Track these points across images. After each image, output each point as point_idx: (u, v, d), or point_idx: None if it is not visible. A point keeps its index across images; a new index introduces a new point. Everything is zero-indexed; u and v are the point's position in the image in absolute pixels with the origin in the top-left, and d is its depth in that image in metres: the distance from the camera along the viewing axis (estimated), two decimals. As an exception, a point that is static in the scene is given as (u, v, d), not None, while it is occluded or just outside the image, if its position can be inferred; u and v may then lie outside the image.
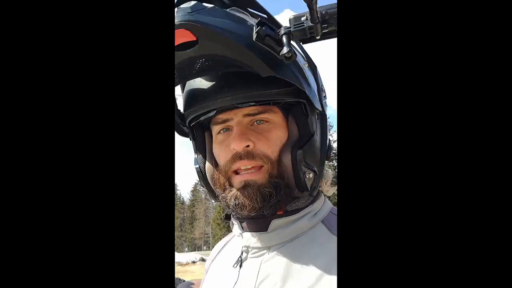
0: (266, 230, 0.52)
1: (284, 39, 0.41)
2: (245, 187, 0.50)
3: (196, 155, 0.59)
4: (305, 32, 0.42)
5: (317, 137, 0.53)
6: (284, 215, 0.52)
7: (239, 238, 0.57)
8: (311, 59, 0.56)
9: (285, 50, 0.40)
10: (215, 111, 0.53)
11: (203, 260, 20.66)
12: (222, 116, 0.53)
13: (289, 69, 0.46)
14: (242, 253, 0.56)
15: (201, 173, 0.58)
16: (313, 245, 0.50)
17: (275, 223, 0.52)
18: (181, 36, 0.41)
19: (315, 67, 0.56)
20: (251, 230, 0.54)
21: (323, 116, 0.55)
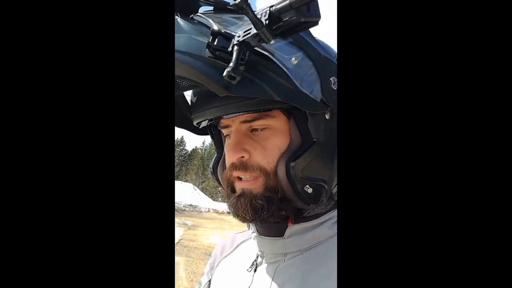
0: (282, 236, 0.49)
1: (234, 53, 0.37)
2: (240, 196, 0.48)
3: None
4: (255, 40, 0.37)
5: (321, 144, 0.46)
6: (302, 221, 0.49)
7: (255, 241, 0.54)
8: (312, 46, 0.47)
9: (225, 72, 0.36)
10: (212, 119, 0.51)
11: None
12: (223, 122, 0.50)
13: (253, 81, 0.40)
14: (257, 257, 0.54)
15: (213, 172, 0.56)
16: (332, 257, 0.45)
17: (292, 229, 0.49)
18: None
19: (318, 55, 0.47)
20: (267, 235, 0.51)
21: (334, 116, 0.47)
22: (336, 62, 0.48)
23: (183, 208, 15.14)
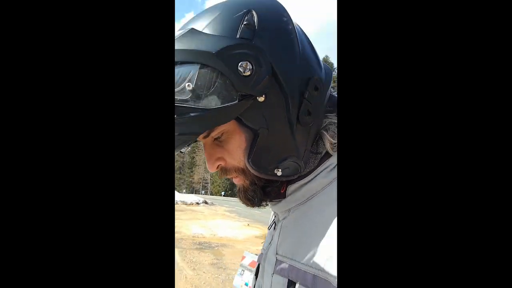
0: (285, 197, 0.54)
1: None
2: (238, 190, 0.54)
3: None
4: None
5: (268, 128, 0.46)
6: (297, 180, 0.52)
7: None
8: (200, 51, 0.42)
9: None
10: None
11: (206, 203, 21.72)
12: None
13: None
14: (274, 217, 0.62)
15: None
16: (329, 203, 0.47)
17: (290, 188, 0.53)
18: None
19: (210, 56, 0.42)
20: (272, 199, 0.55)
21: (269, 93, 0.44)
22: (238, 37, 0.43)
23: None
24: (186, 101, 0.42)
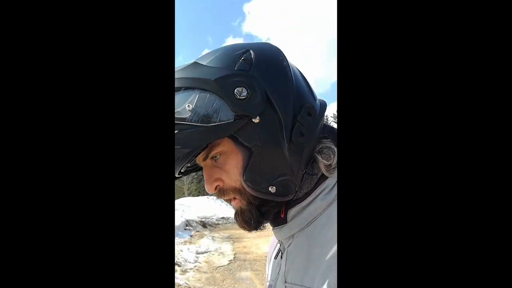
0: (286, 222, 0.55)
1: None
2: (236, 213, 0.56)
3: None
4: None
5: (261, 147, 0.49)
6: (296, 204, 0.54)
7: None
8: (201, 79, 0.48)
9: None
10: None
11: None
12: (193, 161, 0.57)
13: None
14: (280, 246, 0.61)
15: None
16: (330, 225, 0.49)
17: (291, 213, 0.54)
18: None
19: (211, 83, 0.48)
20: (275, 226, 0.57)
21: (264, 115, 0.49)
22: (236, 69, 0.49)
23: (216, 222, 14.27)
24: (186, 119, 0.47)
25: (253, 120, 0.48)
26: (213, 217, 15.05)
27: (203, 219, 13.86)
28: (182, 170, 0.58)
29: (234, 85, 0.47)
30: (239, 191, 0.53)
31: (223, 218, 14.80)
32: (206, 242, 8.36)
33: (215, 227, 12.70)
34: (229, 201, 0.56)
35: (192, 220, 12.89)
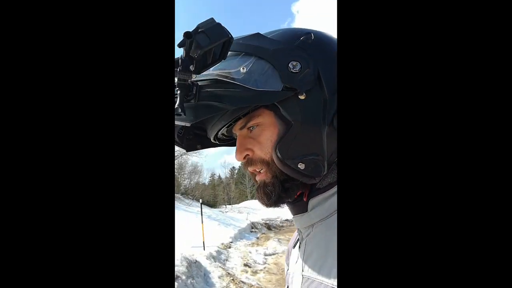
0: (307, 211, 0.55)
1: (178, 95, 0.46)
2: (259, 186, 0.56)
3: None
4: (185, 78, 0.45)
5: (300, 124, 0.51)
6: (318, 193, 0.54)
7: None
8: (260, 47, 0.51)
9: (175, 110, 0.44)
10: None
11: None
12: (232, 132, 0.59)
13: (207, 105, 0.49)
14: (299, 235, 0.61)
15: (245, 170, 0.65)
16: None
17: (312, 202, 0.54)
18: None
19: (268, 52, 0.51)
20: (296, 213, 0.57)
21: (310, 93, 0.50)
22: (293, 47, 0.51)
23: (280, 224, 14.37)
24: (236, 80, 0.49)
25: (299, 96, 0.49)
26: (277, 220, 15.17)
27: (267, 222, 14.07)
28: (219, 135, 0.61)
29: (289, 58, 0.49)
30: (267, 163, 0.53)
31: (287, 220, 14.84)
32: (272, 244, 8.49)
33: (279, 230, 12.80)
34: (253, 175, 0.57)
35: (257, 223, 13.17)
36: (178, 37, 0.42)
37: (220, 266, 5.57)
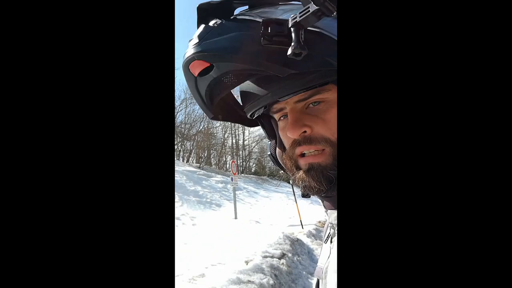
0: None
1: (293, 34, 0.40)
2: (309, 170, 0.50)
3: (269, 142, 0.63)
4: (314, 17, 0.39)
5: None
6: None
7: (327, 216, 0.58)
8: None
9: (290, 50, 0.39)
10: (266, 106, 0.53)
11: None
12: (277, 106, 0.53)
13: (311, 56, 0.40)
14: (330, 230, 0.58)
15: (273, 157, 0.61)
16: None
17: None
18: (197, 67, 0.45)
19: None
20: (330, 208, 0.54)
21: None
22: None
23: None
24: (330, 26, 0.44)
25: None
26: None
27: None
28: (260, 111, 0.54)
29: None
30: (331, 142, 0.48)
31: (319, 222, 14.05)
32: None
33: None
34: (300, 157, 0.51)
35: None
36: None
37: (321, 244, 5.52)
